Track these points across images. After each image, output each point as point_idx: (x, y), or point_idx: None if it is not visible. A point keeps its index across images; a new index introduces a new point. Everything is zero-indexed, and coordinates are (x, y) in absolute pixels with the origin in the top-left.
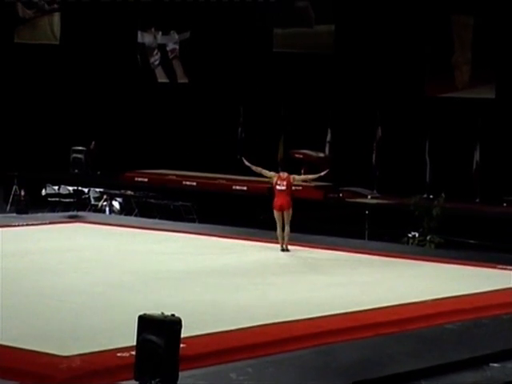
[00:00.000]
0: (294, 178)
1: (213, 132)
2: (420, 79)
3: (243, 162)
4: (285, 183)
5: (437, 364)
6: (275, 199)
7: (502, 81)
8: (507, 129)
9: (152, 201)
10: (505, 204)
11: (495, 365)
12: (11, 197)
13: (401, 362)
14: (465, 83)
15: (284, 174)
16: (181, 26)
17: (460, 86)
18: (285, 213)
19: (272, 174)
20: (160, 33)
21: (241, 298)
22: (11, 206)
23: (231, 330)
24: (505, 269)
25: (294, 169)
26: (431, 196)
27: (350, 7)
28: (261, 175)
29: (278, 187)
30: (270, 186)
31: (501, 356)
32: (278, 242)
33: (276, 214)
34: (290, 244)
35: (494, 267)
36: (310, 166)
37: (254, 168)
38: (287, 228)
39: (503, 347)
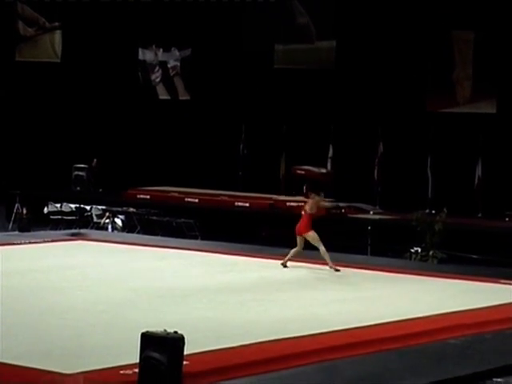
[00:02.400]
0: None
1: (215, 149)
2: (421, 94)
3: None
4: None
5: (440, 379)
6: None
7: (502, 96)
8: (509, 143)
9: (154, 218)
10: (507, 219)
11: (498, 380)
12: (13, 215)
13: (403, 377)
14: (466, 98)
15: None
16: (182, 42)
17: (461, 101)
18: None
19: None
20: (161, 50)
21: (243, 315)
22: (13, 224)
23: (234, 347)
24: (507, 283)
25: (296, 185)
26: (433, 211)
27: (351, 23)
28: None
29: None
30: (272, 202)
31: (504, 371)
32: (281, 259)
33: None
34: (293, 260)
35: (497, 282)
36: (313, 182)
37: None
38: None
39: (506, 362)
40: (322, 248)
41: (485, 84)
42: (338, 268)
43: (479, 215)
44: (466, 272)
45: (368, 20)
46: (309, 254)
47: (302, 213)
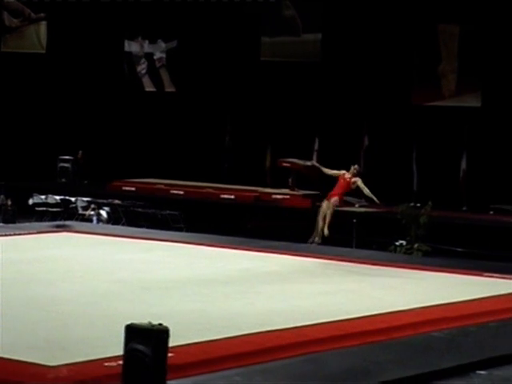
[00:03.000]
0: (354, 182)
1: (200, 141)
2: (407, 88)
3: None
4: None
5: (424, 372)
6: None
7: (487, 89)
8: (493, 137)
9: (139, 210)
10: (491, 212)
11: (482, 372)
12: None
13: (388, 369)
14: (451, 92)
15: (348, 175)
16: (168, 34)
17: (447, 95)
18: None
19: (336, 172)
20: (147, 42)
21: (228, 307)
22: None
23: (219, 339)
24: (491, 276)
25: (281, 177)
26: (418, 204)
27: (337, 16)
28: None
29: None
30: (257, 195)
31: (487, 363)
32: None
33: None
34: (278, 253)
35: (481, 275)
36: (298, 174)
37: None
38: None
39: (490, 355)
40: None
41: (470, 78)
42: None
43: (464, 208)
44: (451, 265)
45: (354, 13)
46: (294, 246)
47: (352, 179)
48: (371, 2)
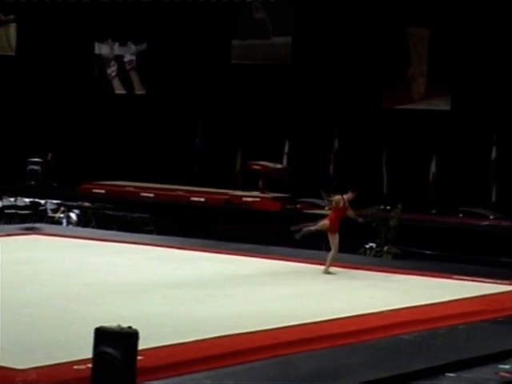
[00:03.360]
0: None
1: (170, 143)
2: (377, 91)
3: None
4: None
5: (393, 374)
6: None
7: (457, 93)
8: (463, 140)
9: (109, 212)
10: (461, 215)
11: (451, 375)
12: None
13: (358, 372)
14: (421, 95)
15: (347, 202)
16: (138, 37)
17: (416, 98)
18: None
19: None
20: (117, 44)
21: (198, 310)
22: None
23: (189, 342)
24: (461, 279)
25: (252, 180)
26: (388, 207)
27: (308, 19)
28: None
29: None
30: (227, 198)
31: (456, 366)
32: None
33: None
34: (248, 256)
35: (450, 278)
36: (268, 177)
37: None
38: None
39: (459, 357)
40: (333, 252)
41: (439, 81)
42: (332, 271)
43: (434, 211)
44: (420, 268)
45: (324, 16)
46: (264, 249)
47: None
48: (341, 5)
